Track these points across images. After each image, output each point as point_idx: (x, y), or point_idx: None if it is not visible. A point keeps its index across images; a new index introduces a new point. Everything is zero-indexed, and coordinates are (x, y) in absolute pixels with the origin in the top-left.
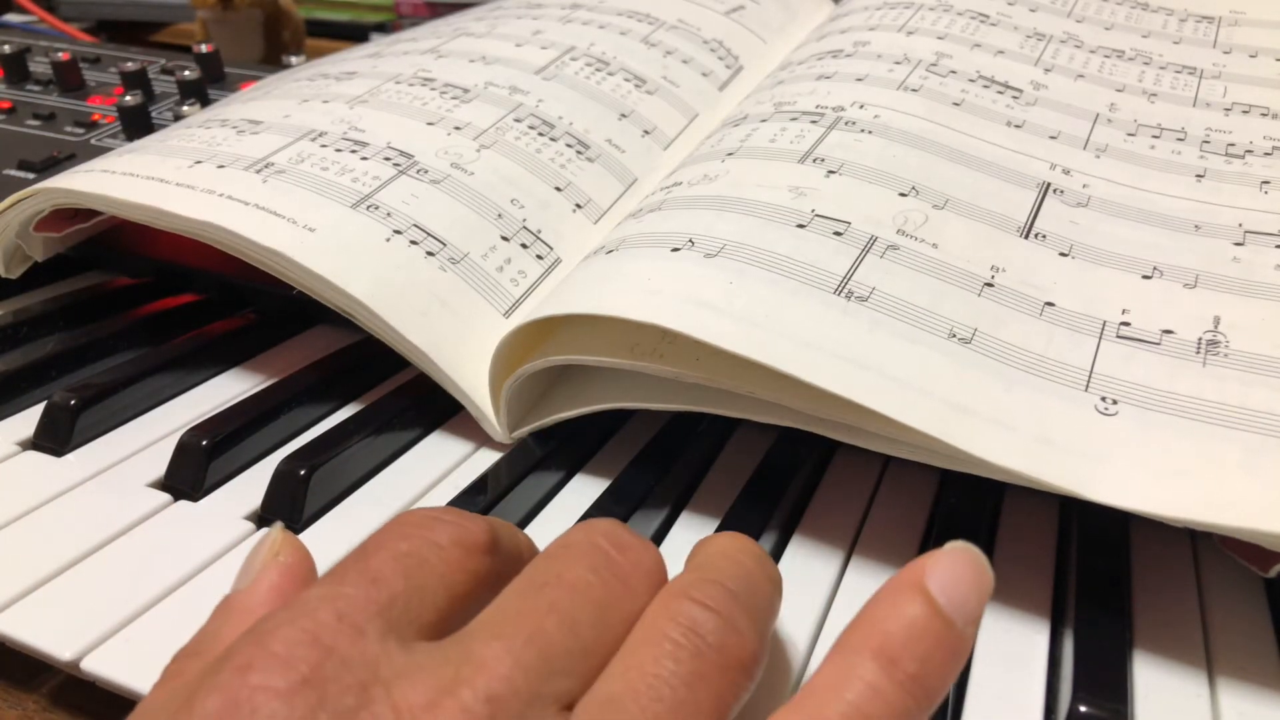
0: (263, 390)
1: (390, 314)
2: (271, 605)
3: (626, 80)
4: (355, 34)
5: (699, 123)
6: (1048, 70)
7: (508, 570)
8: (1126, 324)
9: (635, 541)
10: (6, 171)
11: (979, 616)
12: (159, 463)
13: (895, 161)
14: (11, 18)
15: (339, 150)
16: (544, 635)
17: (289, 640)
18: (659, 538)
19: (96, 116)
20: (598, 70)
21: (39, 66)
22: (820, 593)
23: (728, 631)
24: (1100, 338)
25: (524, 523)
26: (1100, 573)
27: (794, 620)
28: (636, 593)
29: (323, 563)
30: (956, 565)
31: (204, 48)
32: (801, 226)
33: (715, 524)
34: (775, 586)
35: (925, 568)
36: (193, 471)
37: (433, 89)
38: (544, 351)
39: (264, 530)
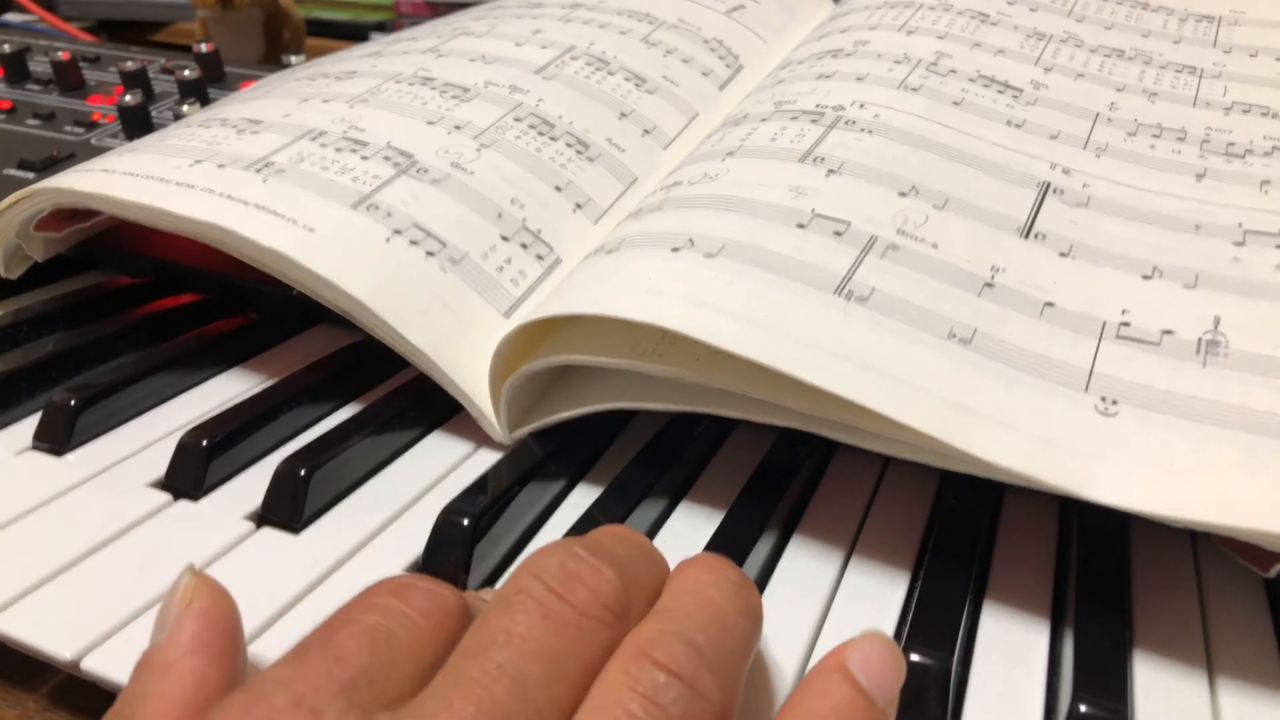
0: (263, 390)
1: (390, 314)
2: (195, 657)
3: (626, 80)
4: (355, 34)
5: (699, 122)
6: (1048, 70)
7: None
8: (1126, 324)
9: (589, 570)
10: (6, 171)
11: (895, 697)
12: (159, 463)
13: (895, 161)
14: (11, 17)
15: (339, 150)
16: (494, 704)
17: None
18: (659, 537)
19: (96, 116)
20: (598, 70)
21: (39, 66)
22: (820, 593)
23: (691, 699)
24: (1100, 338)
25: (524, 523)
26: (1100, 573)
27: (793, 620)
28: (594, 634)
29: (321, 564)
30: (874, 649)
31: (204, 47)
32: (802, 226)
33: (715, 523)
34: (753, 621)
35: (845, 653)
36: (193, 471)
37: (433, 88)
38: (544, 351)
39: (179, 576)
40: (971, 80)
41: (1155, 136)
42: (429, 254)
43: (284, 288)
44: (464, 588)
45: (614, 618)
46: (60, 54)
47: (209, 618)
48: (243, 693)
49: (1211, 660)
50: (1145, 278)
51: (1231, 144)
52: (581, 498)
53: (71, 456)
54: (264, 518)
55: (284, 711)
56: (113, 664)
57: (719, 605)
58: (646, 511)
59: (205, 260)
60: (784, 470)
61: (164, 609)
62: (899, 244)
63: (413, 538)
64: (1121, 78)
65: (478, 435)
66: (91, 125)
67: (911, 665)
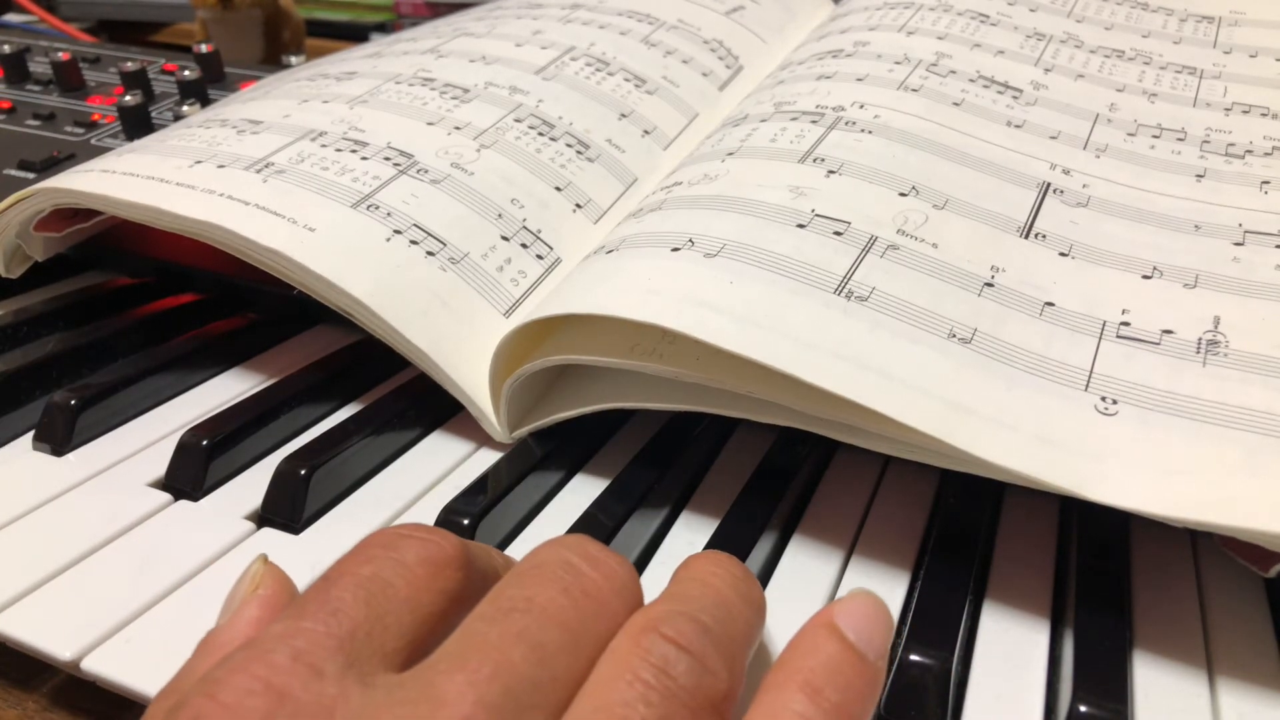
0: (263, 390)
1: (390, 314)
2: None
3: (626, 80)
4: (355, 34)
5: (699, 123)
6: (1048, 70)
7: (484, 587)
8: (1126, 324)
9: (608, 556)
10: (6, 171)
11: (886, 651)
12: (159, 463)
13: (895, 161)
14: (11, 18)
15: (339, 150)
16: (510, 667)
17: (239, 689)
18: (659, 537)
19: (96, 116)
20: (598, 70)
21: (39, 66)
22: (820, 593)
23: (700, 672)
24: (1100, 338)
25: (524, 523)
26: (1100, 573)
27: (793, 620)
28: (611, 611)
29: (320, 564)
30: (861, 606)
31: (204, 48)
32: (802, 226)
33: (715, 524)
34: (755, 611)
35: (832, 610)
36: (193, 471)
37: (433, 89)
38: (544, 351)
39: (249, 561)
40: (971, 81)
41: (1155, 137)
42: (429, 254)
43: (284, 288)
44: None
45: (633, 597)
46: (60, 54)
47: (272, 604)
48: (244, 650)
49: (1211, 660)
50: (1145, 278)
51: (1231, 144)
52: (580, 494)
53: (71, 456)
54: (264, 518)
55: (283, 669)
56: (113, 664)
57: (723, 592)
58: (647, 512)
59: (205, 260)
60: (784, 470)
61: (231, 593)
62: (899, 244)
63: None
64: (1121, 78)
65: (478, 435)
66: (91, 125)
67: (911, 665)
